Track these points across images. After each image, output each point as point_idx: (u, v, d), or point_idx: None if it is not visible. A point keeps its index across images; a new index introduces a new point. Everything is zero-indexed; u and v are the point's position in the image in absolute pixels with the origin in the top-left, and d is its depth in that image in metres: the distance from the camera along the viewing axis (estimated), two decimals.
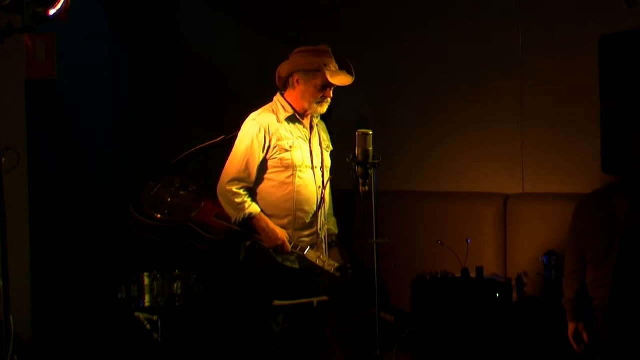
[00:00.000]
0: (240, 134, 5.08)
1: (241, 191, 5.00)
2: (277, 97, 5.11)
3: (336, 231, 5.32)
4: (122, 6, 7.17)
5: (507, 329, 5.56)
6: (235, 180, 5.00)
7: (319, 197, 5.10)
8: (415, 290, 5.87)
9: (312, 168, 5.09)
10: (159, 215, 5.43)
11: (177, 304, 5.49)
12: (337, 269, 5.00)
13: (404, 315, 6.04)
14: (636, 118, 5.58)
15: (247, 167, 5.00)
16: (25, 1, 4.39)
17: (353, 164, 4.77)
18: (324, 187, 5.12)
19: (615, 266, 4.69)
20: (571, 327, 4.91)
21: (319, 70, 4.97)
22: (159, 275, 5.50)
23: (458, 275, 5.83)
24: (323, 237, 5.15)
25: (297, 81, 5.03)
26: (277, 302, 4.95)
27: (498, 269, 6.08)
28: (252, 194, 5.05)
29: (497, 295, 5.67)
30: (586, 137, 6.01)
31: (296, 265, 5.07)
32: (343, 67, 5.09)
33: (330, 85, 5.00)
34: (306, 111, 5.07)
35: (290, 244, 4.99)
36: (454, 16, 6.47)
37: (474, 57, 6.41)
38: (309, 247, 5.02)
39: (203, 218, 5.35)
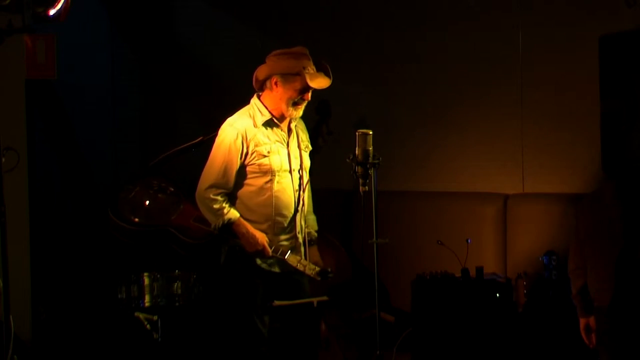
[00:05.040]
0: (218, 139, 5.04)
1: (219, 197, 4.97)
2: (254, 100, 5.09)
3: (316, 228, 5.30)
4: (123, 6, 7.16)
5: (507, 329, 5.56)
6: (213, 186, 4.97)
7: (297, 200, 5.08)
8: (415, 290, 5.87)
9: (290, 171, 5.07)
10: (137, 219, 5.43)
11: (177, 304, 5.49)
12: (318, 273, 5.01)
13: (404, 315, 6.04)
14: (636, 118, 5.58)
15: (225, 174, 4.97)
16: (25, 1, 4.39)
17: (353, 164, 4.77)
18: (302, 190, 5.09)
19: (617, 268, 4.68)
20: (581, 322, 4.89)
21: (298, 74, 4.96)
22: (159, 275, 5.49)
23: (458, 275, 5.83)
24: (302, 241, 5.13)
25: (276, 83, 5.01)
26: (277, 302, 4.95)
27: (498, 269, 6.08)
28: (232, 198, 5.04)
29: (497, 295, 5.67)
30: (586, 137, 6.01)
31: (276, 269, 5.06)
32: (320, 69, 5.07)
33: (309, 88, 5.00)
34: (283, 114, 5.05)
35: (271, 248, 4.98)
36: (454, 16, 6.47)
37: (474, 57, 6.41)
38: (289, 251, 5.01)
39: (182, 221, 5.36)
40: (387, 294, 6.27)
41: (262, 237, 4.97)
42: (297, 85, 4.97)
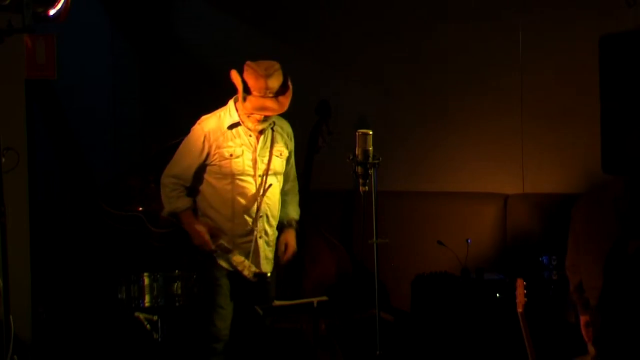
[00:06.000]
0: (188, 136, 5.15)
1: (176, 187, 5.09)
2: (230, 102, 5.14)
3: (295, 217, 5.29)
4: (122, 6, 7.16)
5: (507, 329, 5.55)
6: (174, 177, 5.10)
7: (258, 205, 5.06)
8: (415, 290, 5.88)
9: (254, 176, 5.07)
10: (128, 206, 5.60)
11: (177, 304, 5.49)
12: (255, 275, 5.03)
13: (404, 315, 6.04)
14: (636, 118, 5.58)
15: (186, 169, 5.08)
16: (25, 1, 4.39)
17: (353, 164, 4.77)
18: (262, 195, 5.07)
19: (605, 266, 4.67)
20: (582, 319, 4.88)
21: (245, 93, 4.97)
22: (159, 275, 5.50)
23: (458, 275, 5.83)
24: (261, 244, 5.11)
25: (239, 91, 5.05)
26: (277, 302, 4.95)
27: (498, 269, 6.08)
28: (195, 193, 5.12)
29: (497, 295, 5.67)
30: (586, 137, 6.01)
31: (229, 267, 5.10)
32: (282, 92, 5.01)
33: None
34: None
35: (224, 245, 5.01)
36: (454, 16, 6.47)
37: (474, 56, 6.41)
38: (233, 251, 5.03)
39: (157, 209, 5.45)
40: (387, 294, 6.27)
41: (203, 232, 5.03)
42: (247, 103, 4.98)
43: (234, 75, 5.04)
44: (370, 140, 4.77)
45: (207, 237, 5.02)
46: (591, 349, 4.82)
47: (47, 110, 6.54)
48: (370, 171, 4.74)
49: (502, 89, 6.36)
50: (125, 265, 5.91)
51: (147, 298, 5.48)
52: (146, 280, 5.48)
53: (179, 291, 5.50)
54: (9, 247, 4.40)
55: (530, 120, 6.29)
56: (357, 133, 4.79)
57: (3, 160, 4.40)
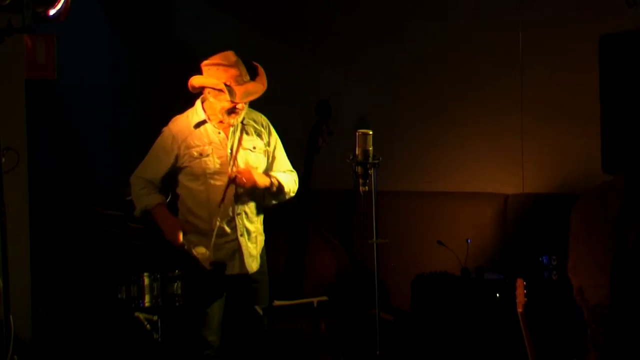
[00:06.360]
0: (158, 138, 5.14)
1: (145, 185, 5.07)
2: (197, 103, 5.13)
3: (276, 176, 5.18)
4: (122, 6, 7.16)
5: (507, 329, 5.56)
6: (143, 178, 5.09)
7: (224, 200, 4.99)
8: (415, 290, 5.87)
9: (226, 174, 5.01)
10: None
11: (177, 304, 5.49)
12: (211, 264, 5.00)
13: (404, 315, 6.05)
14: (636, 118, 5.58)
15: (155, 172, 5.07)
16: (25, 1, 4.38)
17: (353, 164, 4.77)
18: (226, 190, 4.99)
19: (613, 266, 4.66)
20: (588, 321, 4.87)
21: (222, 91, 4.94)
22: (159, 275, 5.49)
23: (458, 275, 5.83)
24: (243, 242, 5.08)
25: (209, 93, 5.03)
26: (277, 302, 4.95)
27: (498, 269, 6.08)
28: (175, 198, 5.10)
29: (497, 295, 5.67)
30: (586, 137, 6.01)
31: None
32: (253, 74, 5.02)
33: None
34: (221, 120, 5.05)
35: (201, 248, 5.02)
36: (454, 15, 6.47)
37: (474, 56, 6.41)
38: (201, 246, 5.02)
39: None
40: (387, 294, 6.27)
41: (176, 227, 5.02)
42: (227, 96, 4.95)
43: (200, 79, 5.03)
44: (370, 140, 4.77)
45: (178, 232, 4.99)
46: (592, 349, 4.82)
47: (47, 110, 6.54)
48: (370, 171, 4.74)
49: (502, 89, 6.36)
50: (125, 265, 5.91)
51: (147, 298, 5.47)
52: (146, 280, 5.47)
53: (179, 291, 5.49)
54: (9, 247, 4.40)
55: (530, 120, 6.29)
56: (357, 133, 4.80)
57: (3, 160, 4.39)
